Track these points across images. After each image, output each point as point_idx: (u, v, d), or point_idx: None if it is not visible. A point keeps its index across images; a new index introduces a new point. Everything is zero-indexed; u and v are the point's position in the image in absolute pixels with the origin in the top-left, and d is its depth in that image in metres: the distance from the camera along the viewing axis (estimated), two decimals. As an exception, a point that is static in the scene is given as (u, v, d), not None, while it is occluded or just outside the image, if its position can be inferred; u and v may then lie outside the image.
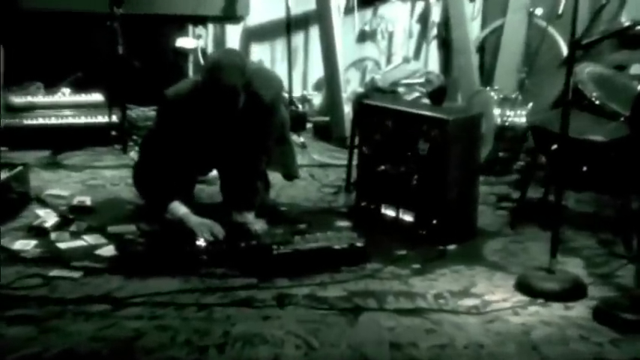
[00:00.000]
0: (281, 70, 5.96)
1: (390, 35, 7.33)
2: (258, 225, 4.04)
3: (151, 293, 3.42)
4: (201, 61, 6.55)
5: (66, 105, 5.91)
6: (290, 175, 4.61)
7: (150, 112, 6.32)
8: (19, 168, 4.52)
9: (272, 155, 4.25)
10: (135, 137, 5.84)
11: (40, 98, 5.94)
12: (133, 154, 5.47)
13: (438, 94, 6.34)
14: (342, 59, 6.43)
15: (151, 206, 4.18)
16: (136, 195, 4.43)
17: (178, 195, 4.04)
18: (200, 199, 4.66)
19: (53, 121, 5.78)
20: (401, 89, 6.39)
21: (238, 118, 3.91)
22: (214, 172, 4.58)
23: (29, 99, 5.86)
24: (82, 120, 5.85)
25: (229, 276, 3.62)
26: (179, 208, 3.99)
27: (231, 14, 6.74)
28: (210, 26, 6.86)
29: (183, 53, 6.65)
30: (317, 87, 7.17)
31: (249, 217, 4.07)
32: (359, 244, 3.85)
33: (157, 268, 3.64)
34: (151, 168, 4.07)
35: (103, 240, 4.00)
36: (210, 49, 6.83)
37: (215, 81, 3.73)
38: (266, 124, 4.10)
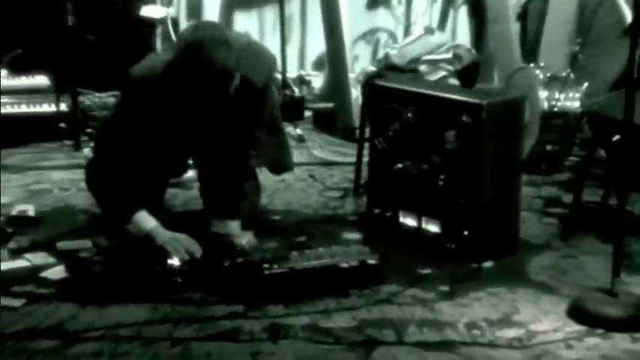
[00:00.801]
0: (272, 45, 5.95)
1: (409, 0, 7.33)
2: (244, 238, 4.04)
3: (111, 325, 3.42)
4: (172, 33, 6.55)
5: (2, 91, 5.90)
6: (280, 167, 4.59)
7: (108, 98, 6.33)
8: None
9: (261, 150, 4.25)
10: (89, 130, 5.84)
11: (-30, 83, 5.95)
12: (88, 152, 5.48)
13: (468, 73, 6.34)
14: (349, 31, 6.44)
15: (109, 217, 4.17)
16: (92, 202, 4.43)
17: (145, 202, 4.03)
18: (172, 207, 4.67)
19: (-13, 110, 5.80)
20: (422, 67, 6.38)
21: (224, 106, 3.89)
22: (190, 173, 4.59)
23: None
24: (24, 109, 5.86)
25: (209, 303, 3.62)
26: (146, 220, 3.98)
27: (208, -25, 6.77)
28: (183, -10, 6.89)
29: (149, 24, 6.66)
30: (317, 66, 7.18)
31: (234, 227, 4.07)
32: (372, 262, 3.85)
33: (118, 293, 3.64)
34: (111, 167, 4.05)
35: (50, 259, 4.00)
36: (183, 20, 6.83)
37: (203, 62, 3.69)
38: (256, 112, 4.11)
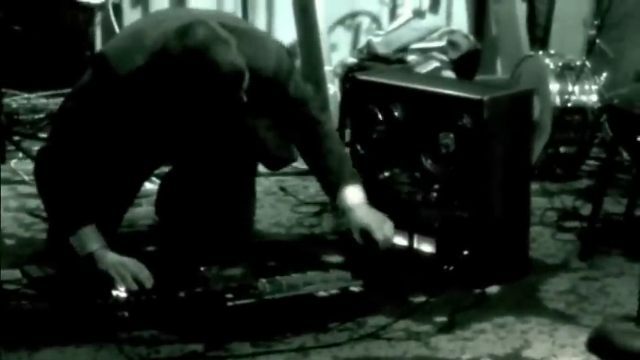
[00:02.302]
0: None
1: (395, -23, 7.37)
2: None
3: (45, 370, 3.41)
4: (115, 23, 6.53)
5: None
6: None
7: (39, 99, 6.30)
8: None
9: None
10: (17, 138, 5.81)
11: None
12: (15, 164, 5.45)
13: (466, 64, 6.37)
14: (325, 14, 6.44)
15: (52, 220, 4.16)
16: (22, 222, 4.41)
17: (101, 215, 3.95)
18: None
19: None
20: (412, 57, 6.41)
21: (235, 114, 3.83)
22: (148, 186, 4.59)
23: None
24: (-63, 114, 5.84)
25: (163, 342, 3.61)
26: (92, 238, 3.89)
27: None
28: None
29: (86, 11, 6.65)
30: (287, 56, 7.17)
31: (357, 195, 4.14)
32: (355, 289, 3.85)
33: (53, 332, 3.62)
34: (67, 162, 3.92)
35: (-29, 293, 3.99)
36: (127, 7, 6.83)
37: (210, 67, 3.61)
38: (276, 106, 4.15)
